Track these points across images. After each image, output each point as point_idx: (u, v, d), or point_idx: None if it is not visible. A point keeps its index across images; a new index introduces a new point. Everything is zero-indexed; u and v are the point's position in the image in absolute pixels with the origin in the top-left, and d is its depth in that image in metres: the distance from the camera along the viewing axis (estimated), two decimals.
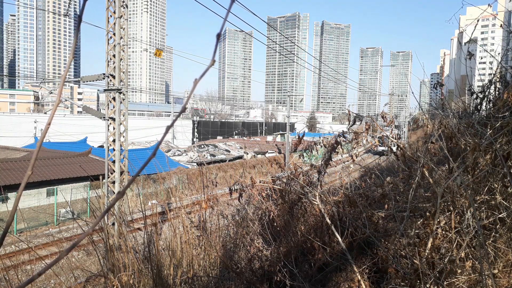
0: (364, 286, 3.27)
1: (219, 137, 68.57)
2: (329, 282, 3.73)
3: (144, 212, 4.35)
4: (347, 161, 5.09)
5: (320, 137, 4.87)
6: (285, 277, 3.54)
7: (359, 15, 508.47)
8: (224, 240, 4.90)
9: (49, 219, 19.17)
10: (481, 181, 3.00)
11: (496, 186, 2.91)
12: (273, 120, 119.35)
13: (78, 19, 0.69)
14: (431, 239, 2.86)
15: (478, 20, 4.71)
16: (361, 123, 4.73)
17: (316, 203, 4.16)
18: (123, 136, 13.73)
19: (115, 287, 3.54)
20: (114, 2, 12.92)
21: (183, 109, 0.68)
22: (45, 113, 74.67)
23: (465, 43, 4.75)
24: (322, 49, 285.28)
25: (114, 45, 13.11)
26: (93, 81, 14.30)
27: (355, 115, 4.48)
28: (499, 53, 4.73)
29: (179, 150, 44.88)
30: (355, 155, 4.88)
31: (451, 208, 2.91)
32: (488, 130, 3.07)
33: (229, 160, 40.52)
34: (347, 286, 3.44)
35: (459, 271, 2.72)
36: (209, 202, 4.94)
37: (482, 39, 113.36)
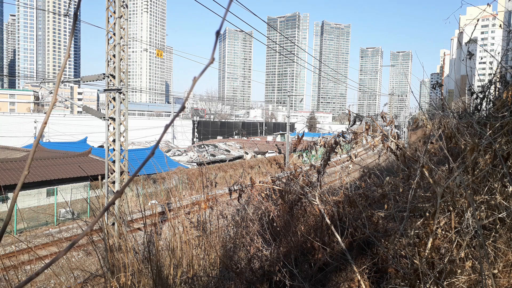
0: (364, 286, 3.26)
1: (219, 137, 68.57)
2: (329, 282, 3.73)
3: (143, 212, 4.34)
4: (347, 161, 5.09)
5: (319, 137, 4.86)
6: (285, 277, 3.54)
7: (359, 15, 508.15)
8: (224, 240, 4.90)
9: (49, 219, 19.17)
10: (481, 181, 3.00)
11: (496, 186, 2.91)
12: (273, 120, 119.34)
13: (74, 16, 0.68)
14: (431, 239, 2.85)
15: (478, 20, 4.71)
16: (361, 123, 4.72)
17: (316, 203, 4.16)
18: (123, 136, 13.73)
19: None
20: (114, 2, 12.91)
21: (182, 108, 0.68)
22: (45, 113, 74.59)
23: (465, 43, 4.75)
24: (322, 49, 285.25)
25: (114, 45, 13.11)
26: (93, 81, 14.30)
27: (355, 115, 4.48)
28: (499, 53, 4.73)
29: (179, 150, 44.88)
30: (354, 155, 4.87)
31: (451, 208, 2.90)
32: (488, 130, 3.07)
33: (229, 160, 40.51)
34: (347, 286, 3.44)
35: (459, 271, 2.72)
36: (209, 202, 4.94)
37: (482, 39, 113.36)
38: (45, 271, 12.54)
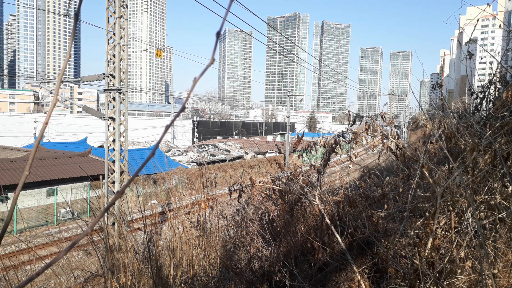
0: (364, 286, 3.26)
1: (219, 137, 68.58)
2: (329, 282, 3.73)
3: (143, 212, 4.34)
4: (347, 161, 5.09)
5: (319, 137, 4.87)
6: (285, 277, 3.54)
7: (359, 15, 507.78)
8: (224, 240, 4.90)
9: (49, 219, 19.17)
10: (481, 181, 3.00)
11: (496, 186, 2.91)
12: (273, 120, 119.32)
13: (75, 17, 0.68)
14: (431, 239, 2.85)
15: (478, 20, 4.71)
16: (361, 123, 4.72)
17: (316, 203, 4.16)
18: (123, 136, 13.73)
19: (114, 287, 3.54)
20: (114, 2, 12.91)
21: (183, 108, 0.68)
22: (45, 113, 74.61)
23: (465, 43, 4.75)
24: (322, 49, 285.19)
25: (114, 45, 13.11)
26: (93, 81, 14.30)
27: (355, 115, 4.48)
28: (499, 53, 4.73)
29: (179, 150, 44.87)
30: (353, 155, 4.87)
31: (451, 208, 2.91)
32: (488, 130, 3.07)
33: (229, 160, 40.51)
34: (347, 286, 3.44)
35: (459, 271, 2.72)
36: (209, 202, 4.94)
37: (482, 39, 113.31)
38: (45, 271, 12.53)
